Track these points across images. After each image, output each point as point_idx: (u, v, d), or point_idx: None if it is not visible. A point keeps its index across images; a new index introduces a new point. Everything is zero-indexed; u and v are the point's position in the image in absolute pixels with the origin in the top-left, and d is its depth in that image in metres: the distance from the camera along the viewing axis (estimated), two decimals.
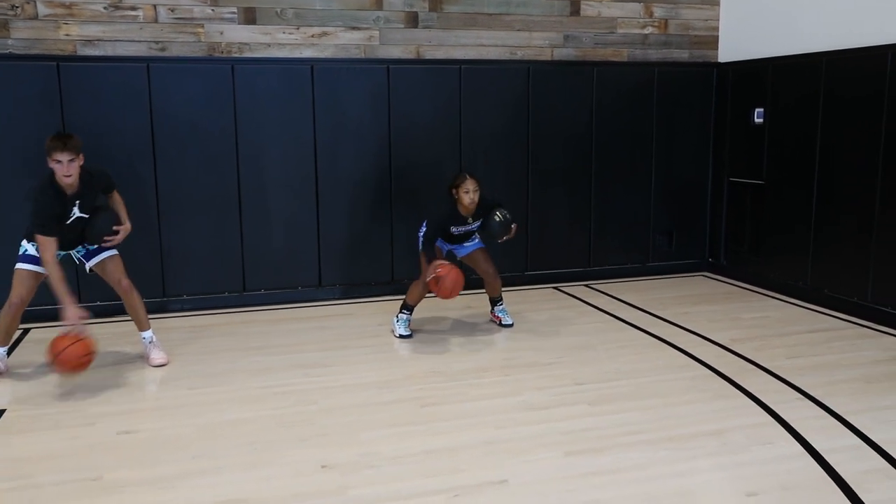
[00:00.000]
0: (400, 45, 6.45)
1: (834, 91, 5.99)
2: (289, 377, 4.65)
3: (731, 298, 6.57)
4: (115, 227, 4.69)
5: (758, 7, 6.83)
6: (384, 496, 3.20)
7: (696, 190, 7.39)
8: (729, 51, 7.17)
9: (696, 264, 7.52)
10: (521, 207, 6.71)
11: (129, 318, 4.98)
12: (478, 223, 5.32)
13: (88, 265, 4.79)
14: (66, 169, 4.33)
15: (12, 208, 5.45)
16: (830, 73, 6.01)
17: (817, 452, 3.54)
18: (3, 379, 4.64)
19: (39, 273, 4.61)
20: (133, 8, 5.81)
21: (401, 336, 5.42)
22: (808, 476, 3.33)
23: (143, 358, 4.95)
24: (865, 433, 3.74)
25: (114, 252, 4.80)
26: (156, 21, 5.88)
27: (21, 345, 5.30)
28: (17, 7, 5.57)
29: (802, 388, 4.37)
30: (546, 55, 6.83)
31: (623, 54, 7.04)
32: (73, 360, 4.28)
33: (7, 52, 5.58)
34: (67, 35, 5.70)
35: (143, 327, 4.94)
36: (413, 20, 6.44)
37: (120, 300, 4.91)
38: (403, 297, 5.52)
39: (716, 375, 4.61)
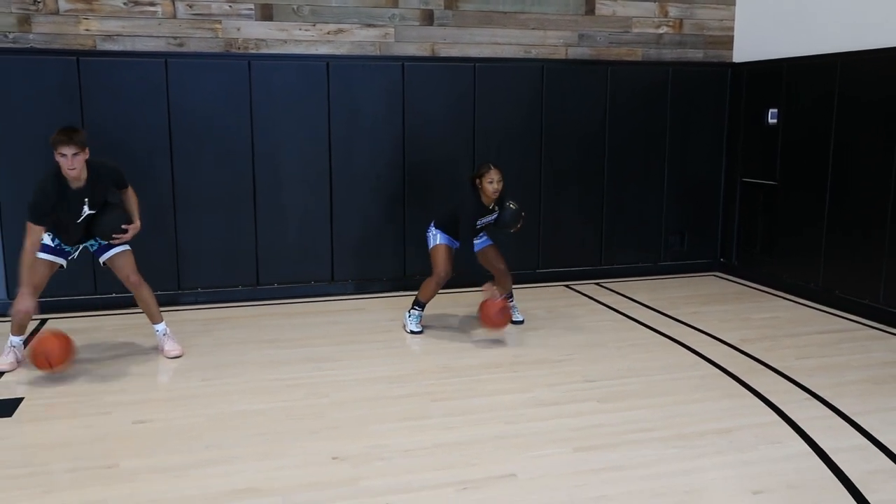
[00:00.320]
0: (415, 43, 6.49)
1: (849, 92, 5.98)
2: (301, 370, 4.71)
3: (742, 298, 6.58)
4: (123, 226, 4.71)
5: (773, 7, 6.82)
6: (395, 488, 3.24)
7: (708, 190, 7.40)
8: (744, 51, 7.17)
9: (708, 264, 7.53)
10: (534, 205, 6.74)
11: (140, 310, 5.04)
12: (494, 215, 5.36)
13: (101, 259, 4.85)
14: (71, 162, 4.38)
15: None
16: (845, 75, 6.00)
17: (824, 452, 3.56)
18: (21, 368, 4.71)
19: (54, 262, 4.68)
20: (152, 3, 5.88)
21: (412, 332, 5.46)
22: (814, 475, 3.35)
23: (157, 349, 5.02)
24: (873, 434, 3.76)
25: (125, 247, 4.84)
26: (174, 17, 5.94)
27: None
28: (38, 2, 5.65)
29: (811, 388, 4.38)
30: (560, 54, 6.85)
31: (637, 54, 7.05)
32: (48, 359, 4.39)
33: (28, 46, 5.67)
34: (87, 30, 5.78)
35: (155, 320, 5.00)
36: (428, 18, 6.48)
37: (130, 293, 4.97)
38: (415, 293, 5.57)
39: (725, 375, 4.62)
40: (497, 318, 5.12)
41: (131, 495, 3.20)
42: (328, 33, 6.28)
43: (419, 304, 5.50)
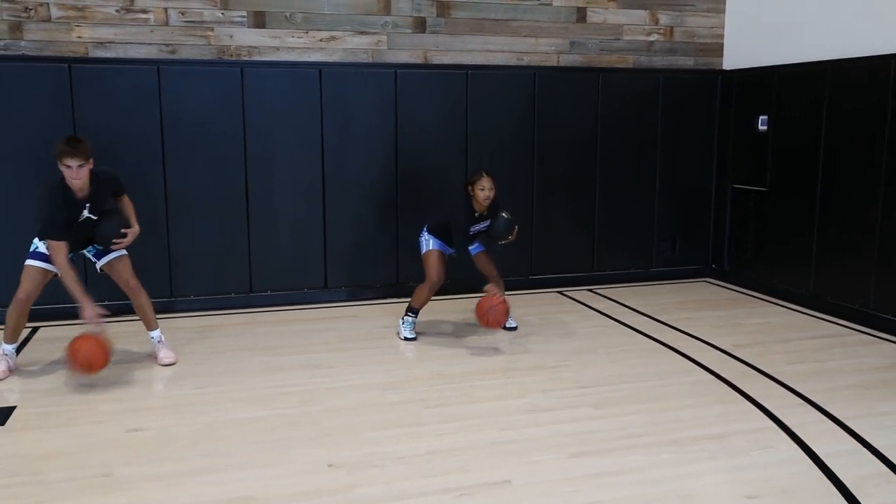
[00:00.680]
0: (408, 50, 6.51)
1: (837, 99, 6.04)
2: (295, 377, 4.71)
3: (734, 304, 6.62)
4: (122, 231, 4.72)
5: (762, 16, 6.88)
6: (390, 495, 3.25)
7: (699, 196, 7.44)
8: (733, 58, 7.23)
9: (699, 270, 7.57)
10: (526, 212, 6.76)
11: (137, 317, 5.03)
12: (486, 223, 5.37)
13: (98, 265, 4.86)
14: (76, 173, 4.39)
15: (25, 206, 5.50)
16: (834, 82, 6.05)
17: (817, 457, 3.58)
18: (13, 377, 4.69)
19: (48, 270, 4.67)
20: (144, 11, 5.88)
21: (406, 338, 5.47)
22: (808, 480, 3.38)
23: (151, 357, 5.01)
24: (865, 438, 3.78)
25: (123, 253, 4.85)
26: (166, 24, 5.95)
27: (30, 343, 5.35)
28: (30, 9, 5.64)
29: (803, 393, 4.41)
30: (552, 61, 6.88)
31: (628, 61, 7.10)
32: (89, 363, 4.35)
33: (20, 53, 5.66)
34: (80, 37, 5.77)
35: (151, 327, 4.99)
36: (421, 25, 6.50)
37: (128, 300, 4.97)
38: (408, 299, 5.58)
39: (718, 380, 4.65)
40: (491, 312, 5.09)
41: None
42: (321, 40, 6.30)
43: (412, 310, 5.51)
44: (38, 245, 4.63)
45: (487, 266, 5.57)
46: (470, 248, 5.48)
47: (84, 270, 5.24)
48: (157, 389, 4.60)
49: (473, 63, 6.65)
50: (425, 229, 5.44)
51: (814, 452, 3.63)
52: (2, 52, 5.63)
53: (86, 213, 4.56)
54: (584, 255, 7.19)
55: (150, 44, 5.93)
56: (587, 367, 4.92)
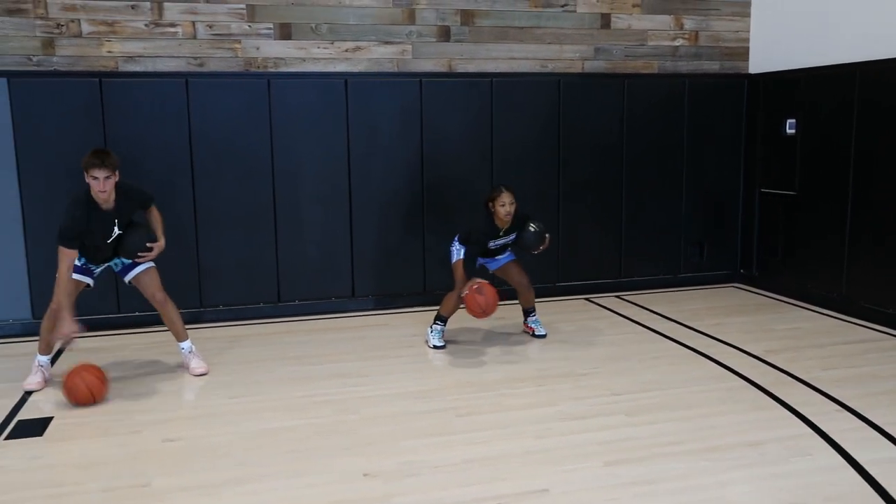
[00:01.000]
0: (432, 59, 6.53)
1: (868, 101, 5.97)
2: (327, 387, 4.72)
3: (764, 310, 6.55)
4: (148, 244, 4.73)
5: (788, 18, 6.84)
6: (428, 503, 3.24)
7: (727, 201, 7.39)
8: (760, 62, 7.18)
9: (728, 276, 7.50)
10: (552, 219, 6.74)
11: (167, 328, 5.06)
12: (512, 236, 5.36)
13: (127, 278, 4.89)
14: (102, 185, 4.42)
15: (57, 220, 5.55)
16: (864, 84, 5.99)
17: (859, 464, 3.53)
18: (48, 388, 4.74)
19: (80, 282, 4.71)
20: (172, 25, 5.95)
21: (435, 347, 5.47)
22: (850, 488, 3.33)
23: (182, 367, 5.04)
24: None
25: (150, 265, 4.87)
26: (194, 37, 6.01)
27: (63, 354, 5.40)
28: (62, 25, 5.72)
29: (840, 399, 4.35)
30: (577, 68, 6.87)
31: (653, 66, 7.07)
32: (91, 394, 4.42)
33: (52, 69, 5.74)
34: (110, 52, 5.85)
35: (181, 338, 5.03)
36: (445, 34, 6.52)
37: (156, 311, 5.00)
38: (435, 308, 5.58)
39: (752, 386, 4.60)
40: (474, 300, 5.08)
41: None
42: (346, 51, 6.33)
43: (441, 318, 5.51)
44: None
45: (517, 275, 5.56)
46: (500, 258, 5.50)
47: (113, 279, 5.28)
48: (190, 399, 4.63)
49: (498, 71, 6.66)
50: (456, 239, 5.43)
51: (854, 460, 3.57)
52: (35, 68, 5.71)
53: (115, 229, 4.59)
54: (611, 261, 7.16)
55: (178, 57, 6.00)
56: (618, 374, 4.89)
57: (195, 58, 6.03)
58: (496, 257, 5.55)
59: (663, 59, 7.09)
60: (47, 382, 4.77)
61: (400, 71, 6.46)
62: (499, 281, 5.62)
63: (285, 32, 6.18)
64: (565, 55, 6.84)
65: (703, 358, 5.18)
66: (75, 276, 4.65)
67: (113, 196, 4.52)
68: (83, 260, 4.66)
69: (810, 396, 4.42)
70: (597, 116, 6.90)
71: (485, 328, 5.96)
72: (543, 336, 5.72)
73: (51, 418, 4.25)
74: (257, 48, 6.15)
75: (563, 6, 6.73)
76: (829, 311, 6.35)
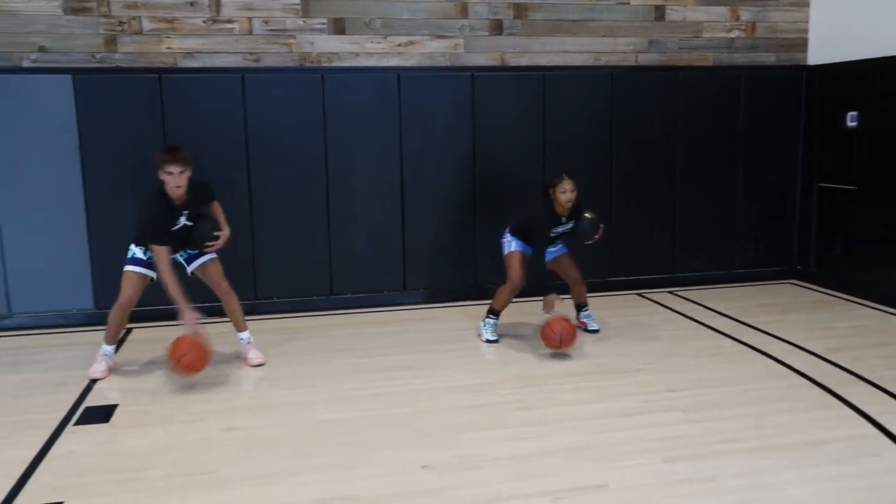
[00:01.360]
0: (484, 53, 6.52)
1: None
2: (381, 379, 4.76)
3: (823, 307, 6.41)
4: (215, 233, 4.87)
5: (849, 8, 6.66)
6: (486, 497, 3.25)
7: (783, 195, 7.24)
8: (819, 53, 7.01)
9: (784, 272, 7.36)
10: (605, 213, 6.62)
11: (225, 319, 5.16)
12: (570, 224, 5.33)
13: (190, 268, 5.00)
14: (177, 180, 4.54)
15: (121, 213, 5.71)
16: None
17: None
18: (112, 376, 4.87)
19: (145, 275, 4.83)
20: (230, 21, 6.04)
21: (488, 340, 5.47)
22: None
23: (240, 358, 5.13)
24: None
25: (213, 256, 4.99)
26: (250, 33, 6.10)
27: (125, 344, 5.54)
28: (124, 23, 5.86)
29: None
30: (630, 60, 6.80)
31: (708, 59, 6.96)
32: (192, 365, 4.53)
33: (114, 65, 5.88)
34: (169, 48, 5.97)
35: (240, 328, 5.12)
36: (498, 28, 6.50)
37: (216, 302, 5.10)
38: (486, 302, 5.58)
39: (813, 385, 4.51)
40: (557, 338, 5.03)
41: (226, 502, 3.27)
42: (399, 45, 6.36)
43: (494, 312, 5.51)
44: (135, 251, 4.80)
45: (570, 268, 5.53)
46: (552, 249, 5.46)
47: (176, 274, 5.39)
48: (249, 390, 4.71)
49: (550, 64, 6.62)
50: (508, 231, 5.43)
51: None
52: (98, 65, 5.86)
53: (183, 220, 4.71)
54: (663, 256, 7.08)
55: (234, 53, 6.09)
56: (673, 370, 4.83)
57: (251, 53, 6.12)
58: (549, 248, 5.52)
59: (718, 52, 6.97)
60: (111, 371, 4.90)
61: (452, 65, 6.46)
62: (550, 275, 5.60)
63: (339, 27, 6.23)
64: (619, 48, 6.77)
65: (760, 355, 5.10)
66: (140, 269, 4.78)
67: (186, 191, 4.64)
68: (148, 255, 4.78)
69: (876, 396, 4.32)
70: (650, 109, 6.82)
71: (536, 323, 5.91)
72: (596, 331, 5.69)
73: (116, 406, 4.37)
74: (311, 43, 6.21)
75: None
76: (893, 308, 6.18)
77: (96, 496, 3.32)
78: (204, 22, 6.00)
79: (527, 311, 6.07)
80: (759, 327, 5.74)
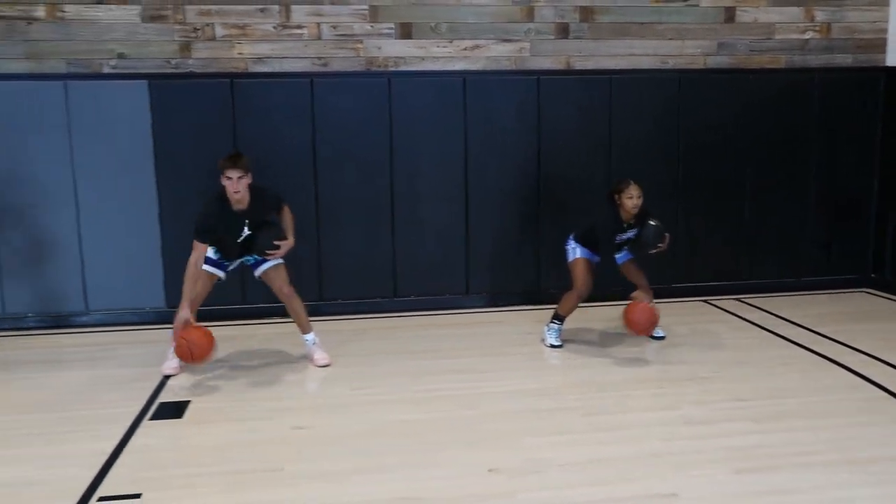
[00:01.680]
0: (550, 57, 6.49)
1: None
2: (446, 381, 4.78)
3: None
4: (276, 242, 4.89)
5: None
6: (554, 501, 3.23)
7: (858, 201, 7.01)
8: None
9: (857, 280, 7.12)
10: (670, 219, 6.55)
11: (291, 320, 5.24)
12: (634, 231, 5.27)
13: (257, 273, 5.10)
14: (235, 185, 4.66)
15: (192, 214, 5.78)
16: None
17: None
18: (183, 373, 5.00)
19: (214, 274, 4.96)
20: (299, 26, 6.15)
21: (552, 345, 5.44)
22: None
23: (306, 358, 5.21)
24: None
25: (279, 261, 5.06)
26: (319, 38, 6.20)
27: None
28: (198, 30, 6.02)
29: None
30: (699, 63, 6.68)
31: (780, 61, 6.80)
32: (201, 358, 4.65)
33: (188, 71, 6.05)
34: (240, 54, 6.11)
35: (305, 330, 5.20)
36: (564, 31, 6.47)
37: (281, 303, 5.18)
38: (549, 306, 5.56)
39: (892, 398, 4.36)
40: (640, 319, 5.07)
41: (296, 499, 3.33)
42: (465, 49, 6.38)
43: (559, 317, 5.47)
44: (208, 250, 4.91)
45: (635, 275, 5.47)
46: (617, 256, 5.40)
47: (241, 273, 5.51)
48: (316, 390, 4.78)
49: (617, 68, 6.56)
50: (571, 237, 5.39)
51: None
52: (173, 71, 6.03)
53: (245, 230, 4.81)
54: (730, 262, 6.93)
55: (303, 58, 6.20)
56: (743, 379, 4.73)
57: (319, 58, 6.22)
58: (614, 255, 5.46)
59: (791, 53, 6.80)
60: (182, 368, 5.03)
61: (517, 69, 6.46)
62: (621, 280, 5.54)
63: (406, 32, 6.28)
64: (687, 51, 6.66)
65: (834, 365, 4.95)
66: (209, 268, 4.90)
67: (247, 198, 4.75)
68: (218, 255, 4.90)
69: None
70: (718, 113, 6.69)
71: (599, 328, 5.88)
72: (662, 338, 5.60)
73: (188, 402, 4.48)
74: (379, 48, 6.28)
75: (685, 1, 6.56)
76: None
77: (172, 489, 3.41)
78: (274, 28, 6.12)
79: (592, 317, 6.02)
80: (833, 337, 5.57)
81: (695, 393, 4.51)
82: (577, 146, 6.52)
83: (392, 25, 6.26)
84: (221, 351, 5.42)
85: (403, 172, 6.36)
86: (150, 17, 5.98)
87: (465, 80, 6.34)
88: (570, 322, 5.61)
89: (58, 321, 6.17)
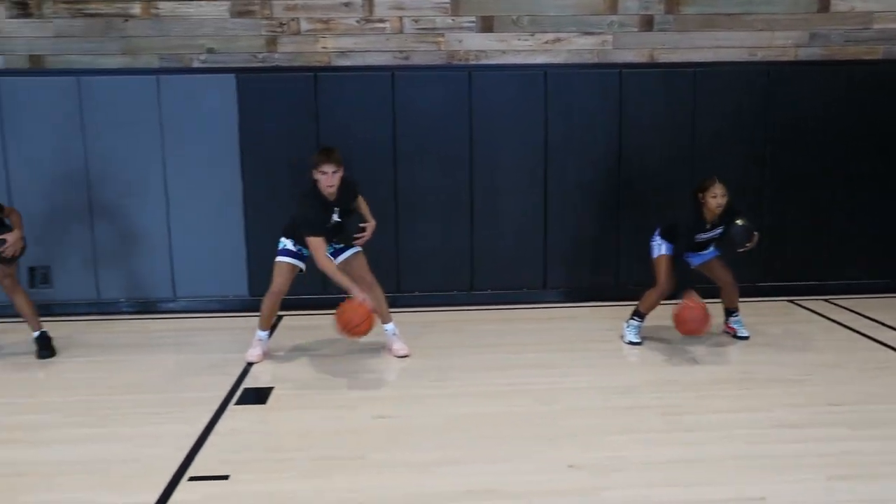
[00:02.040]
0: (633, 49, 6.38)
1: None
2: (524, 376, 4.76)
3: None
4: (361, 225, 5.01)
5: None
6: (638, 500, 3.18)
7: None
8: None
9: None
10: (756, 215, 6.35)
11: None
12: (719, 230, 5.14)
13: (337, 262, 5.16)
14: (330, 179, 4.75)
15: (276, 206, 5.98)
16: None
17: None
18: (266, 360, 5.12)
19: (295, 266, 5.05)
20: (382, 20, 6.21)
21: (631, 342, 5.36)
22: None
23: (385, 348, 5.27)
24: None
25: (358, 250, 5.15)
26: (401, 32, 6.24)
27: (277, 331, 5.79)
28: (284, 24, 6.15)
29: None
30: (789, 55, 6.46)
31: (878, 51, 6.51)
32: (359, 332, 4.70)
33: (274, 65, 6.18)
34: (324, 48, 6.21)
35: (385, 320, 5.25)
36: (648, 23, 6.35)
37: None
38: (627, 303, 5.48)
39: None
40: (688, 319, 4.93)
41: (379, 486, 3.37)
42: (546, 42, 6.33)
43: (639, 314, 5.38)
44: (286, 243, 5.02)
45: (721, 272, 5.34)
46: (703, 253, 5.29)
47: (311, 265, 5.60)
48: (396, 380, 4.82)
49: (702, 60, 6.39)
50: (657, 233, 5.29)
51: None
52: (259, 65, 6.18)
53: (335, 217, 4.89)
54: (819, 261, 6.68)
55: (385, 51, 6.26)
56: (836, 383, 4.56)
57: (401, 51, 6.27)
58: (700, 252, 5.34)
59: (891, 44, 6.50)
60: (265, 355, 5.15)
61: (599, 62, 6.37)
62: (698, 279, 5.42)
63: (487, 25, 6.27)
64: (776, 42, 6.45)
65: None
66: (290, 260, 5.01)
67: (337, 190, 4.83)
68: (299, 247, 5.00)
69: None
70: (809, 107, 6.45)
71: None
72: (746, 338, 5.45)
73: (271, 388, 4.59)
74: (460, 41, 6.28)
75: None
76: None
77: (258, 472, 3.50)
78: (357, 22, 6.20)
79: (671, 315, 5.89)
80: None
81: (783, 395, 4.37)
82: (660, 141, 6.40)
83: (473, 19, 6.26)
84: (302, 340, 5.57)
85: (483, 166, 6.35)
86: (239, 13, 6.13)
87: (547, 74, 6.28)
88: (651, 319, 5.51)
89: (147, 307, 6.42)
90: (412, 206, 6.36)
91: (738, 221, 5.11)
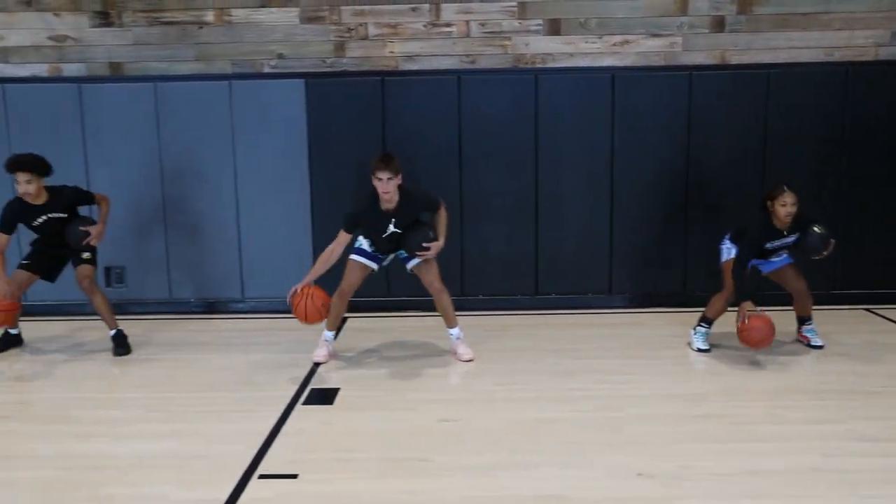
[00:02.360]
0: (703, 51, 6.26)
1: None
2: (590, 381, 4.70)
3: None
4: (425, 244, 4.97)
5: None
6: None
7: None
8: None
9: None
10: (832, 220, 6.14)
11: (437, 313, 5.31)
12: (793, 237, 5.00)
13: (409, 266, 5.20)
14: (385, 186, 4.79)
15: (343, 208, 5.97)
16: None
17: None
18: (332, 361, 5.18)
19: (367, 266, 5.10)
20: (448, 24, 6.24)
21: (699, 349, 5.25)
22: None
23: (449, 352, 5.28)
24: None
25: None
26: (468, 36, 6.26)
27: (342, 332, 5.88)
28: (352, 30, 6.24)
29: None
30: (869, 55, 6.25)
31: None
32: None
33: (342, 69, 6.27)
34: (392, 52, 6.27)
35: (451, 324, 5.26)
36: (719, 24, 6.22)
37: (426, 297, 5.26)
38: (694, 309, 5.38)
39: None
40: (755, 340, 4.84)
41: (442, 489, 3.37)
42: (614, 45, 6.26)
43: (707, 320, 5.27)
44: (362, 242, 5.09)
45: (794, 280, 5.19)
46: (776, 260, 5.16)
47: (389, 267, 5.64)
48: (460, 384, 4.83)
49: (776, 62, 6.23)
50: (728, 237, 5.18)
51: None
52: (328, 69, 6.28)
53: (391, 228, 4.93)
54: None
55: (452, 55, 6.28)
56: None
57: (467, 55, 6.28)
58: (771, 259, 5.20)
59: None
60: (332, 356, 5.22)
61: (668, 64, 6.26)
62: (770, 285, 5.28)
63: (554, 28, 6.24)
64: (855, 41, 6.24)
65: None
66: (364, 260, 5.08)
67: (396, 198, 4.87)
68: (373, 248, 5.06)
69: None
70: (890, 108, 6.22)
71: None
72: (820, 347, 5.28)
73: (337, 389, 4.65)
74: (527, 44, 6.26)
75: None
76: None
77: (326, 472, 3.54)
78: (424, 26, 6.24)
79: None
80: None
81: (862, 407, 4.22)
82: (731, 145, 6.26)
83: (540, 22, 6.23)
84: (368, 341, 5.62)
85: (548, 170, 6.32)
86: (308, 19, 6.24)
87: (614, 77, 6.21)
88: (719, 326, 5.39)
89: (216, 307, 6.57)
90: (477, 210, 6.36)
91: (815, 229, 4.97)
